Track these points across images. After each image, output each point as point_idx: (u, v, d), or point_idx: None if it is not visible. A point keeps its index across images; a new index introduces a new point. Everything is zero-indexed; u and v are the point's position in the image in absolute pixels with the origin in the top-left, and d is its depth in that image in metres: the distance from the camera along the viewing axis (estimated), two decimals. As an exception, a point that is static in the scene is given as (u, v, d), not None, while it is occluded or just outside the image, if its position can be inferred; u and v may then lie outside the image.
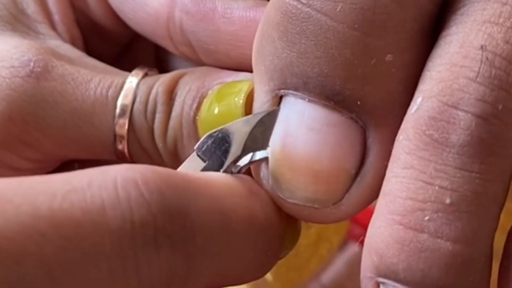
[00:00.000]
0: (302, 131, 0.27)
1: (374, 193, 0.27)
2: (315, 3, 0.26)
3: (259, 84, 0.28)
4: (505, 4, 0.25)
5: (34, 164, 0.34)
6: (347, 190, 0.27)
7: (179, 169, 0.28)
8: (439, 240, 0.25)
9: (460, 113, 0.25)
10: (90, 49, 0.38)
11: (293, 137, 0.27)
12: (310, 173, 0.27)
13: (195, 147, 0.28)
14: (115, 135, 0.33)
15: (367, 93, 0.26)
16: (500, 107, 0.25)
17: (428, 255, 0.25)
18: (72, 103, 0.33)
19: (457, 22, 0.26)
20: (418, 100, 0.26)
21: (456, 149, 0.25)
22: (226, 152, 0.28)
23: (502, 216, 0.26)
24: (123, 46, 0.39)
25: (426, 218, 0.25)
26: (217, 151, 0.28)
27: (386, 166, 0.26)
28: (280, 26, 0.27)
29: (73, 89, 0.33)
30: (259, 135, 0.28)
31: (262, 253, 0.27)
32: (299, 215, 0.28)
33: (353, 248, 0.60)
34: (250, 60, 0.29)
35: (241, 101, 0.30)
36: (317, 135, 0.27)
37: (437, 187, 0.25)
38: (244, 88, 0.30)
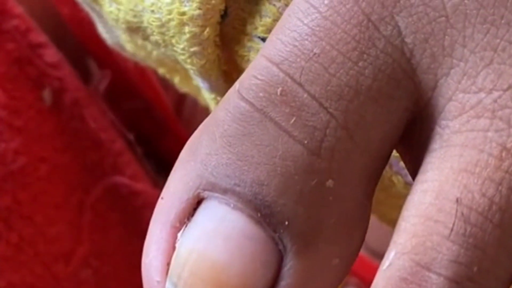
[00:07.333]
0: (217, 238, 0.26)
1: None
2: (269, 110, 0.26)
3: (181, 179, 0.27)
4: (482, 151, 0.25)
5: None
6: None
7: None
8: None
9: (432, 275, 0.24)
10: None
11: (205, 243, 0.26)
12: (216, 284, 0.26)
13: None
14: None
15: (298, 214, 0.26)
16: (475, 269, 0.24)
17: None
18: None
19: (434, 167, 0.25)
20: (391, 254, 0.25)
21: None
22: None
23: None
24: None
25: None
26: None
27: None
28: (225, 125, 0.26)
29: None
30: None
31: None
32: None
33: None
34: None
35: None
36: (232, 245, 0.26)
37: None
38: None
